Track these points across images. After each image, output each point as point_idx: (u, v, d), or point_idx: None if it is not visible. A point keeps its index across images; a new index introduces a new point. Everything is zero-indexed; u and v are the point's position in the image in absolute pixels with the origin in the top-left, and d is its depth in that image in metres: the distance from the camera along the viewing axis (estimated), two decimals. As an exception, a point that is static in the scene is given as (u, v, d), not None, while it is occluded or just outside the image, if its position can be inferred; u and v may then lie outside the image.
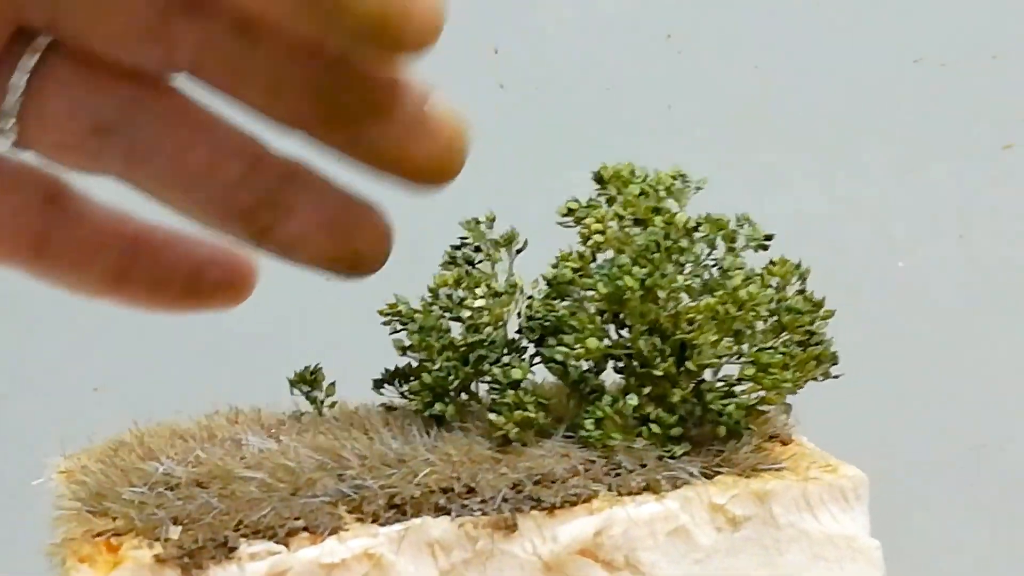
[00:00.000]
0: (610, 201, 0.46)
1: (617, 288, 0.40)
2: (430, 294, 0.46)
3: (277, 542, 0.35)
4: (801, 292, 0.45)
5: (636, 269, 0.40)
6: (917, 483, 0.72)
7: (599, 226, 0.43)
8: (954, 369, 0.76)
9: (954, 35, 0.76)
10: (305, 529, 0.36)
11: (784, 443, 0.43)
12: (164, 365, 0.79)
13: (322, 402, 0.45)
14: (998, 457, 0.76)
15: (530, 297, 0.45)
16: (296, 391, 0.45)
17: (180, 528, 0.36)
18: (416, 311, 0.45)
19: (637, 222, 0.43)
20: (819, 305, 0.45)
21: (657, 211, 0.43)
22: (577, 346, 0.40)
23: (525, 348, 0.45)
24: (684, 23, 0.75)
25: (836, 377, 0.44)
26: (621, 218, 0.43)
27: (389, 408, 0.44)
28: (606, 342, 0.41)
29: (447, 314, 0.45)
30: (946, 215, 0.76)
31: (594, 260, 0.44)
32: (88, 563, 0.34)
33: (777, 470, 0.41)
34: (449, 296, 0.45)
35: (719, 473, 0.40)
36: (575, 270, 0.43)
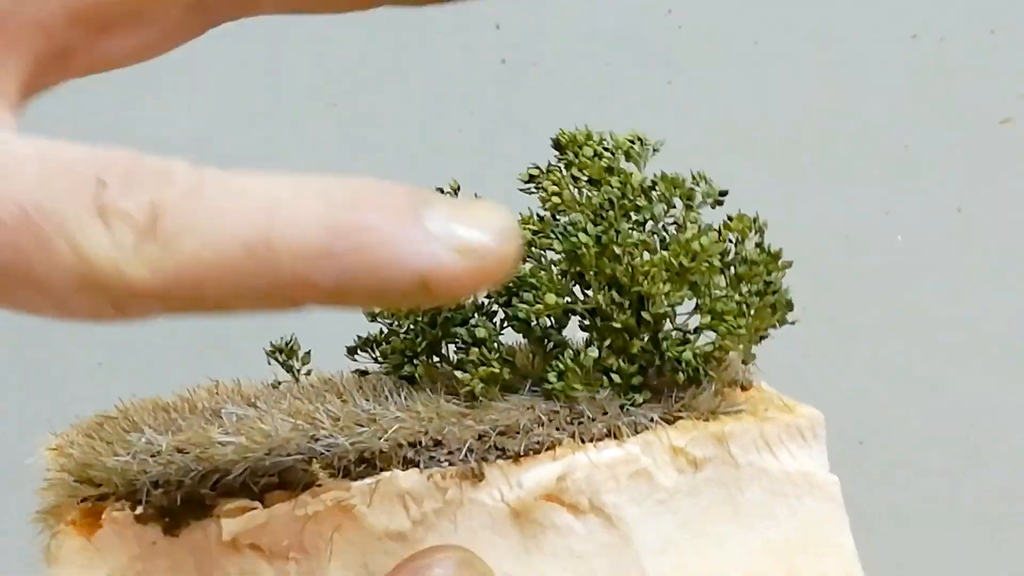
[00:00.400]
0: (568, 166, 0.47)
1: (572, 245, 0.42)
2: None
3: (252, 498, 0.37)
4: (758, 245, 0.47)
5: (591, 227, 0.42)
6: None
7: (556, 188, 0.44)
8: (950, 341, 0.78)
9: (952, 10, 0.78)
10: (279, 486, 0.37)
11: (744, 388, 0.45)
12: (166, 341, 0.81)
13: (298, 371, 0.46)
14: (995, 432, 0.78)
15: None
16: (273, 361, 0.46)
17: (160, 491, 0.37)
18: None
19: (592, 182, 0.45)
20: (776, 256, 0.46)
21: (610, 171, 0.45)
22: (537, 303, 0.42)
23: (495, 312, 0.46)
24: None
25: (792, 323, 0.45)
26: (576, 180, 0.45)
27: (363, 373, 0.46)
28: (567, 299, 0.43)
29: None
30: (944, 189, 0.78)
31: (555, 223, 0.45)
32: (74, 526, 0.36)
33: (735, 412, 0.42)
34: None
35: (680, 418, 0.42)
36: (535, 232, 0.44)
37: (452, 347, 0.45)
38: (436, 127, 0.80)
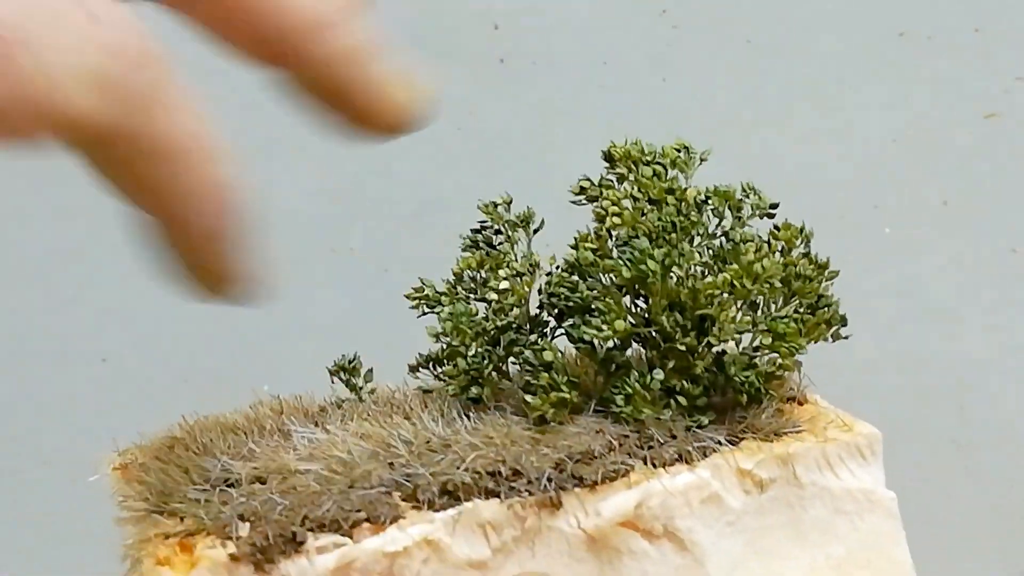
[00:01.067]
0: (620, 179, 0.48)
1: (640, 271, 0.42)
2: (454, 278, 0.48)
3: (342, 534, 0.37)
4: (806, 255, 0.47)
5: (657, 252, 0.42)
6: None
7: (616, 208, 0.45)
8: (940, 333, 0.80)
9: (938, 8, 0.79)
10: (366, 520, 0.38)
11: (801, 403, 0.46)
12: (170, 336, 0.81)
13: (360, 388, 0.47)
14: (982, 415, 0.80)
15: (548, 274, 0.47)
16: (336, 380, 0.47)
17: (248, 525, 0.38)
18: (442, 294, 0.47)
19: (651, 201, 0.45)
20: (824, 267, 0.47)
21: (671, 191, 0.45)
22: (606, 328, 0.42)
23: (546, 323, 0.47)
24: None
25: (846, 338, 0.46)
26: (636, 199, 0.45)
27: (426, 391, 0.46)
28: (631, 321, 0.43)
29: (471, 296, 0.47)
30: (931, 183, 0.80)
31: (610, 239, 0.46)
32: (167, 565, 0.36)
33: (797, 432, 0.43)
34: (473, 279, 0.47)
35: (743, 439, 0.43)
36: (594, 251, 0.45)
37: (514, 367, 0.46)
38: (435, 125, 0.80)
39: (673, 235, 0.44)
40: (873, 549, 0.43)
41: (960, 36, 0.80)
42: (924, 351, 0.79)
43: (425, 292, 0.48)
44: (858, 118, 0.80)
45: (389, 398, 0.46)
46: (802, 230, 0.47)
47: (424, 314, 0.48)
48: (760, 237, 0.47)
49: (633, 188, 0.46)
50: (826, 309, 0.46)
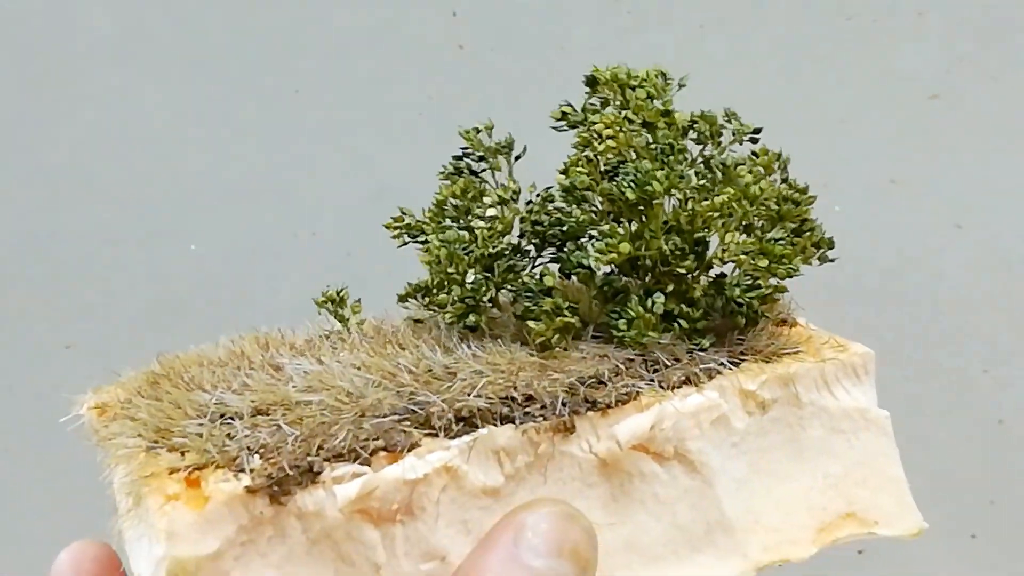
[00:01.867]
0: (604, 104, 0.47)
1: (645, 193, 0.41)
2: (435, 206, 0.46)
3: (360, 463, 0.36)
4: (785, 180, 0.47)
5: (659, 173, 0.42)
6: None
7: (611, 131, 0.44)
8: (888, 308, 0.82)
9: None
10: (383, 449, 0.36)
11: (792, 326, 0.46)
12: (133, 321, 0.80)
13: (347, 320, 0.45)
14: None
15: (529, 202, 0.46)
16: (324, 311, 0.45)
17: (257, 457, 0.36)
18: (424, 223, 0.46)
19: (644, 124, 0.45)
20: (805, 191, 0.47)
21: (667, 114, 0.44)
22: (610, 252, 0.41)
23: (527, 251, 0.46)
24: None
25: (832, 260, 0.46)
26: (631, 122, 0.44)
27: (416, 321, 0.45)
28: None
29: (455, 224, 0.46)
30: (879, 161, 0.83)
31: (597, 164, 0.45)
32: (181, 500, 0.35)
33: (795, 353, 0.43)
34: (455, 207, 0.46)
35: (744, 360, 0.43)
36: (588, 175, 0.44)
37: (505, 295, 0.45)
38: (397, 111, 0.83)
39: (671, 158, 0.43)
40: (869, 467, 0.43)
41: (904, 20, 0.82)
42: (874, 328, 0.82)
43: (406, 221, 0.46)
44: (807, 99, 0.81)
45: (377, 329, 0.45)
46: (779, 155, 0.47)
47: (405, 244, 0.47)
48: (753, 158, 0.46)
49: (624, 112, 0.45)
50: (811, 232, 0.46)
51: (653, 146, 0.44)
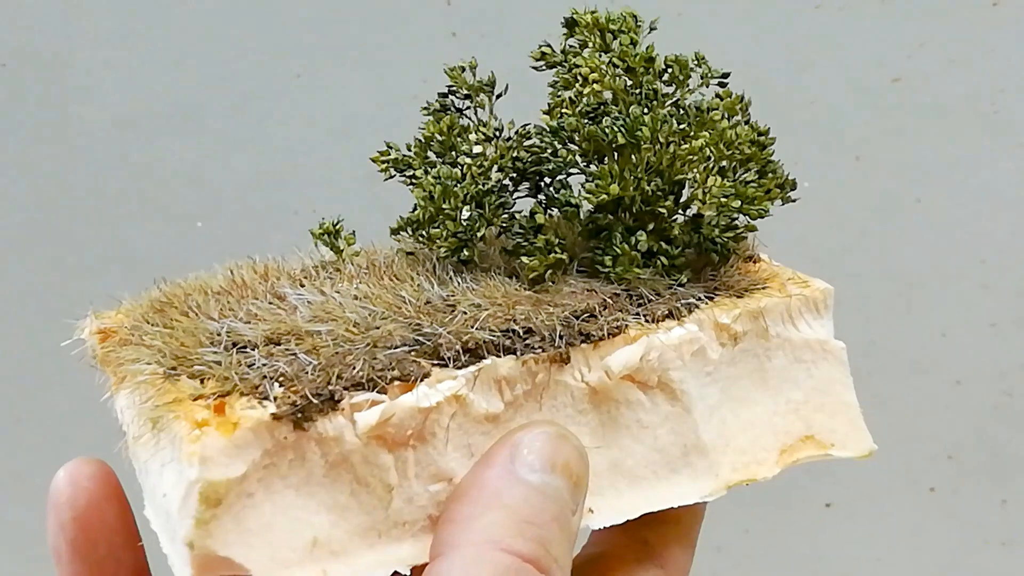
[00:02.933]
0: (582, 45, 0.48)
1: (635, 138, 0.43)
2: (420, 141, 0.48)
3: (378, 392, 0.38)
4: (747, 123, 0.50)
5: (647, 118, 0.44)
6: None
7: (596, 75, 0.46)
8: (853, 285, 0.87)
9: None
10: (398, 378, 0.38)
11: (756, 261, 0.49)
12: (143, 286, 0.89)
13: (342, 251, 0.47)
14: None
15: (508, 139, 0.48)
16: (320, 243, 0.46)
17: (278, 385, 0.38)
18: (409, 157, 0.48)
19: (628, 70, 0.46)
20: (766, 133, 0.49)
21: (650, 60, 0.46)
22: (601, 192, 0.44)
23: (506, 187, 0.48)
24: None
25: (795, 201, 0.49)
26: (615, 66, 0.46)
27: (408, 253, 0.46)
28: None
29: (439, 160, 0.47)
30: (845, 139, 0.89)
31: (577, 104, 0.47)
32: (211, 425, 0.36)
33: (763, 289, 0.46)
34: (440, 143, 0.47)
35: (717, 295, 0.45)
36: (571, 116, 0.46)
37: (491, 229, 0.47)
38: (393, 94, 0.88)
39: (654, 103, 0.45)
40: (826, 393, 0.47)
41: (868, 7, 0.87)
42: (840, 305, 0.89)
43: (392, 156, 0.48)
44: (779, 80, 0.86)
45: (371, 261, 0.46)
46: (742, 98, 0.49)
47: (391, 177, 0.48)
48: (718, 100, 0.48)
49: (607, 55, 0.47)
50: (773, 174, 0.48)
51: (637, 91, 0.45)
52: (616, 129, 0.44)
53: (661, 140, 0.45)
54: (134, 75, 0.89)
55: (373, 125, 0.88)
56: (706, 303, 0.45)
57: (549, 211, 0.46)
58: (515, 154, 0.47)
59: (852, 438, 0.47)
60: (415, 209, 0.46)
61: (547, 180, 0.46)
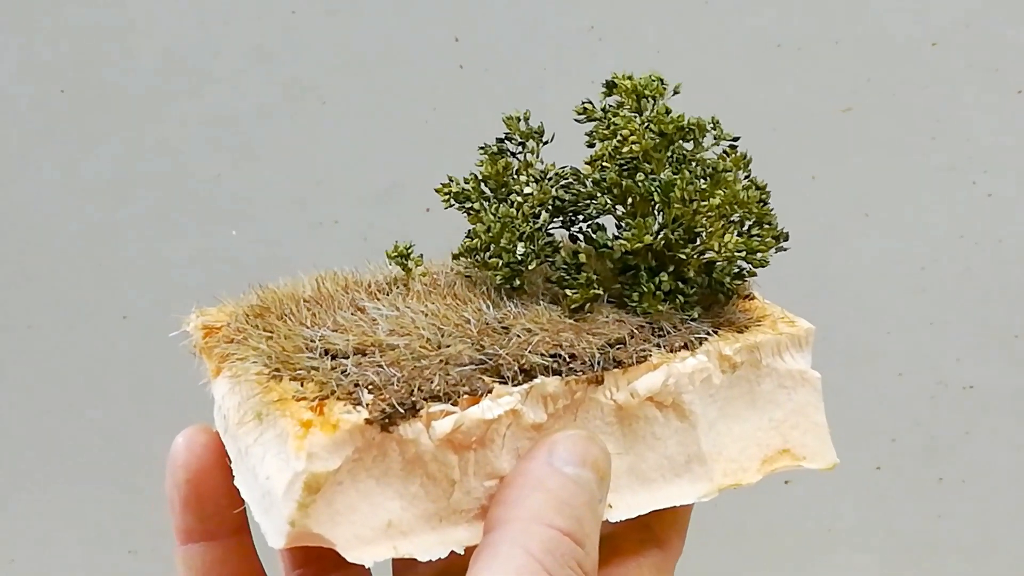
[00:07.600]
0: (619, 105, 0.53)
1: (667, 198, 0.48)
2: (478, 179, 0.52)
3: (451, 403, 0.43)
4: (747, 177, 0.54)
5: (680, 181, 0.48)
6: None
7: (636, 137, 0.50)
8: (811, 277, 0.97)
9: (806, 25, 0.96)
10: (467, 393, 0.43)
11: (751, 299, 0.54)
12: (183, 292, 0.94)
13: (411, 270, 0.51)
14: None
15: (550, 179, 0.52)
16: (393, 264, 0.51)
17: (367, 392, 0.42)
18: (468, 191, 0.52)
19: (660, 134, 0.51)
20: (764, 189, 0.54)
21: (681, 128, 0.51)
22: (636, 241, 0.48)
23: (546, 222, 0.52)
24: (603, 16, 0.95)
25: (786, 250, 0.54)
26: (652, 130, 0.51)
27: (466, 276, 0.51)
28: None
29: (492, 195, 0.52)
30: (802, 160, 0.97)
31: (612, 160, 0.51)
32: (316, 425, 0.41)
33: (759, 326, 0.51)
34: (495, 181, 0.52)
35: (721, 330, 0.50)
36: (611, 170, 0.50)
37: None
38: (405, 119, 0.95)
39: (683, 166, 0.50)
40: (802, 415, 0.52)
41: (823, 47, 0.95)
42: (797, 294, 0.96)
43: (453, 189, 0.52)
44: (743, 110, 0.91)
45: (433, 280, 0.51)
46: (744, 156, 0.54)
47: (451, 206, 0.52)
48: (724, 158, 0.53)
49: (644, 120, 0.51)
50: (770, 226, 0.53)
51: (669, 153, 0.50)
52: (652, 188, 0.48)
53: (687, 199, 0.49)
54: (184, 100, 0.96)
55: (390, 147, 0.95)
56: (713, 336, 0.50)
57: (579, 243, 0.51)
58: (555, 193, 0.51)
59: (820, 453, 0.52)
60: (472, 237, 0.50)
61: (581, 217, 0.51)
